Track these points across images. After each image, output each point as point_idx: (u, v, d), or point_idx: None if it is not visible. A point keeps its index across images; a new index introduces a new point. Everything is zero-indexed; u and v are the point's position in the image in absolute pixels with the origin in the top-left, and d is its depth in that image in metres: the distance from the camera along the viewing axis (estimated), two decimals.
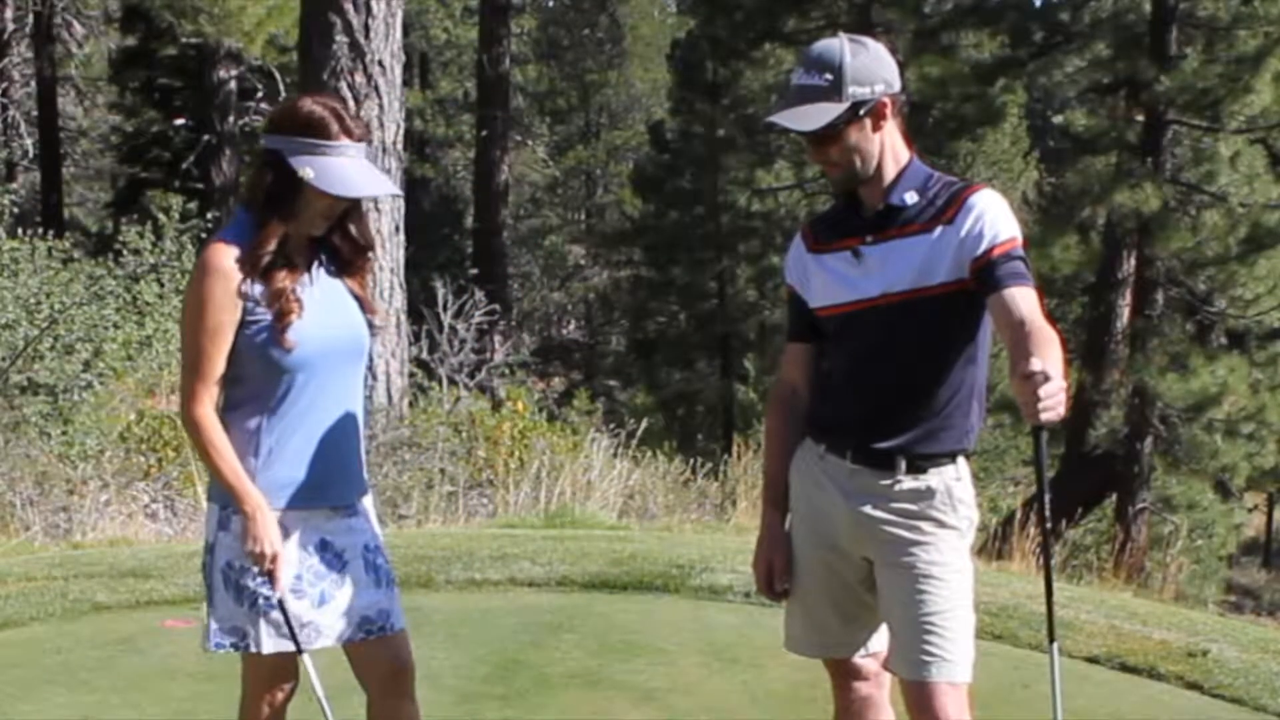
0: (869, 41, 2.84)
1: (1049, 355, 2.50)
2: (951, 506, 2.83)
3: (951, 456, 2.84)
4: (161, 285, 12.88)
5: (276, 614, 2.85)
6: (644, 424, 11.20)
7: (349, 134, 2.79)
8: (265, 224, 2.79)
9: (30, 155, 22.46)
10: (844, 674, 3.02)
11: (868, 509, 2.83)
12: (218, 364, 2.78)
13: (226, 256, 2.77)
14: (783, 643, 3.10)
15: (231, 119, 20.44)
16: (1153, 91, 14.71)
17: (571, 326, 33.03)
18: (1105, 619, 5.67)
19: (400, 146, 10.59)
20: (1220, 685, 4.85)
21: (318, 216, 2.83)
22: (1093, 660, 5.10)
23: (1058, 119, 28.56)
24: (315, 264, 2.90)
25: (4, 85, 21.46)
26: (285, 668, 2.97)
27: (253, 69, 20.68)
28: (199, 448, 2.83)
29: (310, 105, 2.80)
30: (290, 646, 2.87)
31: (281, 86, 20.33)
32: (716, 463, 11.71)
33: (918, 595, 2.78)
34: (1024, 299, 2.66)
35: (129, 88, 23.19)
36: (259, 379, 2.82)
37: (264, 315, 2.79)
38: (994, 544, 10.42)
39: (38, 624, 5.49)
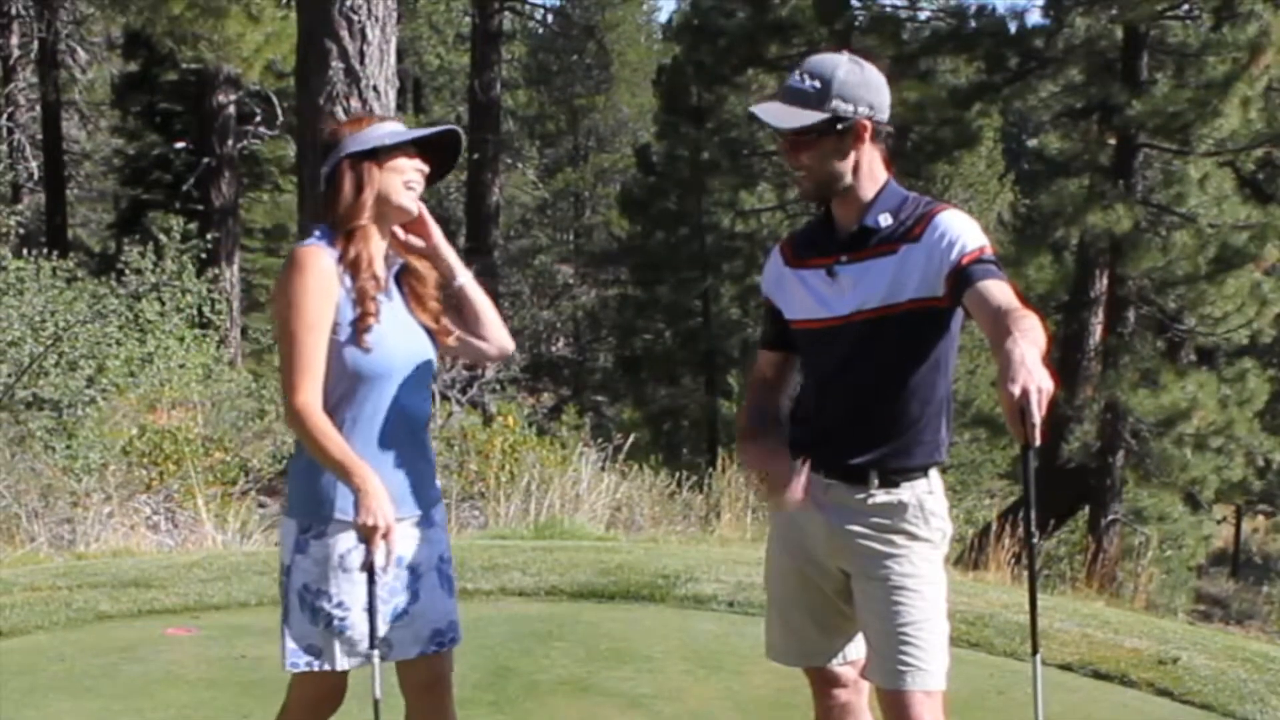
0: (868, 66, 2.86)
1: (1030, 336, 2.48)
2: (924, 519, 2.86)
3: (923, 470, 2.87)
4: (163, 304, 13.02)
5: (351, 633, 2.83)
6: (631, 438, 11.36)
7: (385, 121, 2.95)
8: (351, 226, 2.85)
9: (35, 177, 22.46)
10: (823, 682, 3.05)
11: (842, 523, 2.86)
12: (318, 356, 2.78)
13: (321, 254, 2.82)
14: (764, 651, 3.14)
15: (230, 142, 20.40)
16: (1124, 115, 14.82)
17: (560, 344, 32.98)
18: (1078, 627, 5.79)
19: None
20: (1190, 692, 4.95)
21: (400, 185, 2.89)
22: (1066, 668, 5.18)
23: (1032, 142, 28.69)
24: (388, 280, 2.94)
25: (10, 110, 21.46)
26: (336, 687, 2.95)
27: (251, 94, 20.69)
28: (304, 436, 2.79)
29: (351, 116, 3.02)
30: (359, 663, 2.86)
31: (279, 111, 20.46)
32: (701, 476, 11.72)
33: (892, 607, 2.81)
34: (998, 289, 2.67)
35: (131, 112, 23.18)
36: (334, 390, 2.82)
37: (348, 315, 2.82)
38: (970, 554, 10.54)
39: (42, 632, 5.55)
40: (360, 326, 2.81)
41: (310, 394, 2.77)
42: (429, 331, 2.98)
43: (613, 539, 8.76)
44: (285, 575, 2.89)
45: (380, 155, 2.88)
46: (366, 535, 2.74)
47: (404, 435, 2.90)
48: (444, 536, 3.02)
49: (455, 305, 3.04)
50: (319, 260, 2.81)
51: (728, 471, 10.59)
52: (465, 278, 3.03)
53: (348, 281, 2.84)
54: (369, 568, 2.77)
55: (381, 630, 2.85)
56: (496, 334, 3.08)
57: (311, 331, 2.77)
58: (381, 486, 2.75)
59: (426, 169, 2.94)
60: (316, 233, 2.90)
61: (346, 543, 2.81)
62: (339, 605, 2.82)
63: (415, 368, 2.91)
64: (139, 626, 5.63)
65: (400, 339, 2.88)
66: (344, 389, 2.83)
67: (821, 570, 2.95)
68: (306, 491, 2.86)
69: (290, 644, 2.88)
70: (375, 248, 2.90)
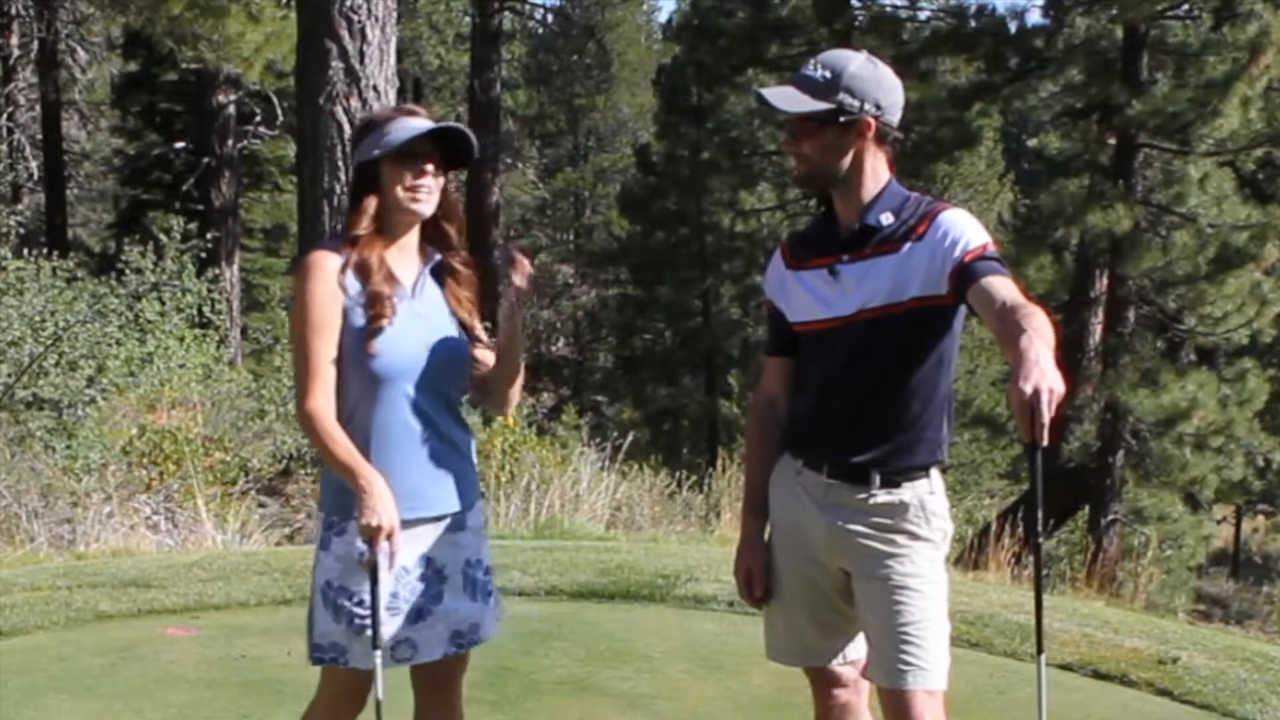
0: (883, 66, 2.86)
1: (1042, 335, 2.45)
2: (925, 519, 2.86)
3: (925, 469, 2.87)
4: (163, 303, 13.03)
5: (371, 632, 2.81)
6: (630, 438, 11.38)
7: (411, 114, 2.89)
8: (352, 234, 2.85)
9: (35, 177, 22.45)
10: (823, 681, 3.05)
11: (843, 522, 2.86)
12: (325, 359, 2.78)
13: (327, 259, 2.82)
14: (764, 652, 3.14)
15: (230, 142, 20.49)
16: (1124, 115, 14.83)
17: (561, 344, 33.11)
18: (1078, 627, 5.81)
19: None
20: (1190, 691, 4.97)
21: (404, 192, 2.84)
22: (1066, 667, 5.18)
23: (1032, 142, 28.84)
24: (420, 280, 2.92)
25: (10, 110, 21.49)
26: (362, 685, 2.91)
27: (251, 94, 20.80)
28: (313, 439, 2.81)
29: (373, 112, 2.99)
30: (373, 664, 2.83)
31: (279, 111, 20.56)
32: (701, 476, 11.76)
33: (894, 606, 2.81)
34: (1002, 284, 2.66)
35: (131, 112, 23.38)
36: (355, 391, 2.82)
37: (358, 320, 2.81)
38: (970, 554, 10.51)
39: (42, 632, 5.56)
40: (372, 329, 2.79)
41: (319, 398, 2.78)
42: (465, 327, 2.96)
43: (613, 539, 8.75)
44: (312, 571, 2.90)
45: (382, 162, 2.85)
46: (370, 535, 2.73)
47: (429, 434, 2.86)
48: (477, 541, 2.99)
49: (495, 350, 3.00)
50: (321, 264, 2.82)
51: (728, 471, 10.58)
52: (518, 346, 2.97)
53: (355, 287, 2.82)
54: (372, 567, 2.77)
55: (404, 632, 2.85)
56: (503, 397, 3.01)
57: (318, 335, 2.78)
58: (385, 488, 2.74)
59: (431, 168, 2.87)
60: (329, 240, 2.91)
61: None
62: (360, 604, 2.81)
63: (440, 366, 2.87)
64: (139, 626, 5.63)
65: (421, 337, 2.85)
66: (360, 391, 2.82)
67: (822, 570, 2.95)
68: (335, 487, 2.84)
69: (314, 639, 2.89)
70: (386, 251, 2.88)
